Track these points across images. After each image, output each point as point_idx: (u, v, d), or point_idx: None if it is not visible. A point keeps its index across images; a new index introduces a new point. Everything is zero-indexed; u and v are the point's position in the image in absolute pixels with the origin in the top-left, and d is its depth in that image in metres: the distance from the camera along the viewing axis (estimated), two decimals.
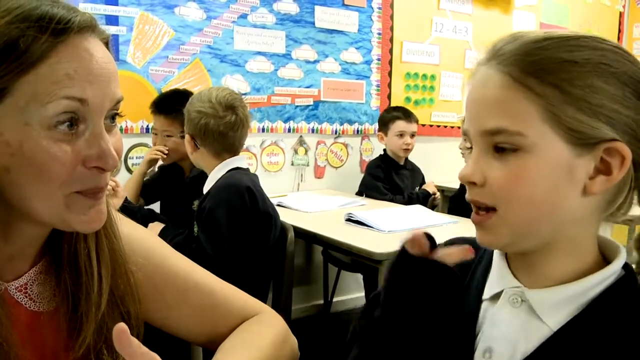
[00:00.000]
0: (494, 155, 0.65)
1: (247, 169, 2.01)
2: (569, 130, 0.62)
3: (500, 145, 0.64)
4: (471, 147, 0.69)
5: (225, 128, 1.91)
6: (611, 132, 0.62)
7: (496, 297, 0.73)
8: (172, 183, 2.44)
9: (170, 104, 2.31)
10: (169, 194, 2.45)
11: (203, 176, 2.16)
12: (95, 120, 0.63)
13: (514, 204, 0.64)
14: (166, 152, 2.34)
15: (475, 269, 0.79)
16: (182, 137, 2.15)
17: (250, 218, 1.86)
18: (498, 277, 0.74)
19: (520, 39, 0.66)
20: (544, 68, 0.62)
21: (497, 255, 0.76)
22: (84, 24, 0.62)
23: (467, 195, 0.69)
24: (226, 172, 1.94)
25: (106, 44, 0.67)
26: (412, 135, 3.20)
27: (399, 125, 3.17)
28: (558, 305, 0.67)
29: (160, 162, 2.48)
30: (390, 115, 3.23)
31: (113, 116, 0.68)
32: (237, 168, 1.96)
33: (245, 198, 1.85)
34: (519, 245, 0.69)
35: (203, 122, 1.90)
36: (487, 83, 0.66)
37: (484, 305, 0.74)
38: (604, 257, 0.70)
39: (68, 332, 0.72)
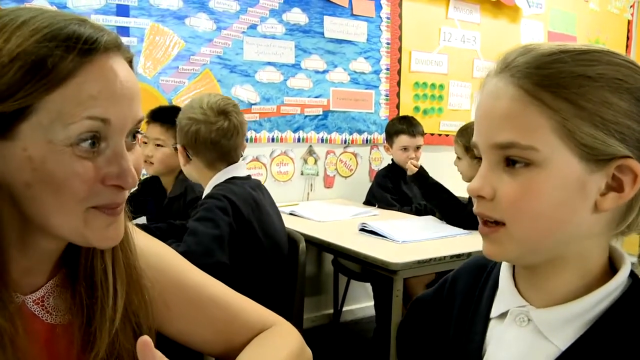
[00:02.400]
0: (504, 169, 0.64)
1: (247, 176, 1.88)
2: (582, 146, 0.61)
3: (512, 159, 0.63)
4: (479, 158, 0.69)
5: (217, 135, 1.77)
6: (624, 148, 0.61)
7: (503, 316, 0.72)
8: (153, 200, 2.34)
9: (168, 114, 2.21)
10: (150, 212, 2.36)
11: (181, 196, 2.13)
12: (117, 139, 0.64)
13: (523, 219, 0.64)
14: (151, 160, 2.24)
15: (483, 287, 0.79)
16: (176, 148, 2.07)
17: (239, 232, 1.73)
18: (505, 295, 0.73)
19: (534, 51, 0.64)
20: (558, 82, 0.61)
21: (504, 273, 0.75)
22: (110, 44, 0.63)
23: (474, 208, 0.68)
24: (218, 184, 1.80)
25: (130, 63, 0.68)
26: (418, 148, 3.17)
27: (403, 140, 3.15)
28: (564, 323, 0.66)
29: (144, 173, 2.36)
30: (394, 128, 3.20)
31: (134, 134, 0.68)
32: (234, 178, 1.82)
33: (227, 211, 1.69)
34: (526, 259, 0.69)
35: (194, 129, 1.77)
36: (498, 95, 0.64)
37: (491, 324, 0.74)
38: (612, 265, 0.69)
39: (81, 346, 0.72)
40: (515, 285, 0.72)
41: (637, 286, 0.67)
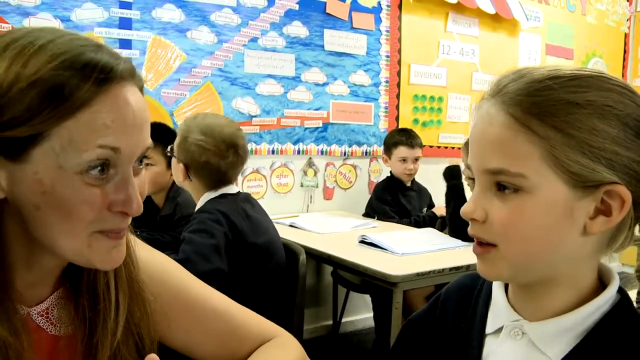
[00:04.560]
0: (496, 193, 0.66)
1: (236, 193, 1.90)
2: (570, 173, 0.62)
3: (502, 184, 0.65)
4: (473, 179, 0.70)
5: (225, 167, 1.83)
6: (612, 174, 0.62)
7: (498, 331, 0.74)
8: (145, 218, 2.31)
9: (153, 132, 2.17)
10: (142, 229, 2.32)
11: (173, 215, 2.14)
12: (125, 166, 0.65)
13: (514, 241, 0.65)
14: None
15: (476, 301, 0.80)
16: (168, 158, 2.09)
17: (233, 242, 1.76)
18: (498, 311, 0.75)
19: (526, 76, 0.65)
20: (547, 110, 0.62)
21: (496, 288, 0.77)
22: (125, 73, 0.64)
23: (469, 230, 0.70)
24: (211, 199, 1.85)
25: (141, 90, 0.69)
26: (416, 160, 3.20)
27: (402, 151, 3.18)
28: (557, 336, 0.67)
29: None
30: (393, 140, 3.24)
31: (141, 159, 0.69)
32: (224, 195, 1.86)
33: (220, 221, 1.74)
34: (518, 279, 0.71)
35: (204, 159, 1.80)
36: (490, 121, 0.66)
37: (487, 339, 0.75)
38: (601, 281, 0.70)
39: (84, 358, 0.73)
40: (509, 301, 0.74)
41: (625, 301, 0.69)
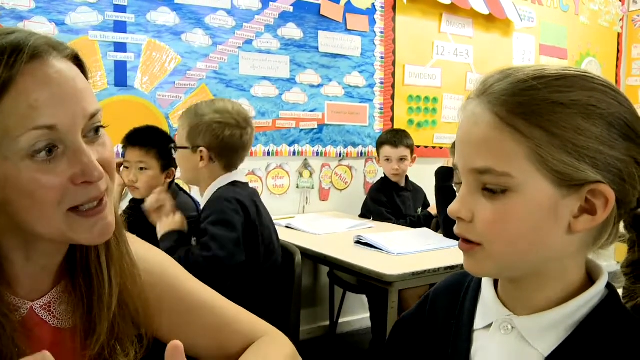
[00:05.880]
0: (482, 192, 0.66)
1: (247, 183, 1.94)
2: (554, 172, 0.62)
3: (488, 187, 0.65)
4: (460, 183, 0.70)
5: (246, 141, 1.86)
6: (595, 174, 0.62)
7: (488, 326, 0.74)
8: (142, 222, 2.28)
9: (146, 137, 2.21)
10: (138, 233, 2.33)
11: None
12: (72, 139, 0.64)
13: (499, 241, 0.66)
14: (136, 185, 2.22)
15: (463, 301, 0.81)
16: (167, 166, 2.13)
17: (246, 232, 1.79)
18: (488, 307, 0.76)
19: (511, 76, 0.66)
20: (532, 109, 0.62)
21: (485, 285, 0.78)
22: (38, 49, 0.62)
23: (455, 229, 0.70)
24: (223, 186, 1.86)
25: (75, 59, 0.68)
26: (402, 160, 3.20)
27: (386, 150, 3.20)
28: (546, 329, 0.68)
29: (129, 196, 2.35)
30: (380, 140, 3.27)
31: (96, 129, 0.68)
32: (235, 182, 1.88)
33: (239, 212, 1.77)
34: (504, 274, 0.72)
35: (228, 132, 1.81)
36: (476, 121, 0.66)
37: (475, 335, 0.76)
38: (589, 276, 0.71)
39: (84, 332, 0.75)
40: (498, 297, 0.75)
41: (613, 295, 0.70)
